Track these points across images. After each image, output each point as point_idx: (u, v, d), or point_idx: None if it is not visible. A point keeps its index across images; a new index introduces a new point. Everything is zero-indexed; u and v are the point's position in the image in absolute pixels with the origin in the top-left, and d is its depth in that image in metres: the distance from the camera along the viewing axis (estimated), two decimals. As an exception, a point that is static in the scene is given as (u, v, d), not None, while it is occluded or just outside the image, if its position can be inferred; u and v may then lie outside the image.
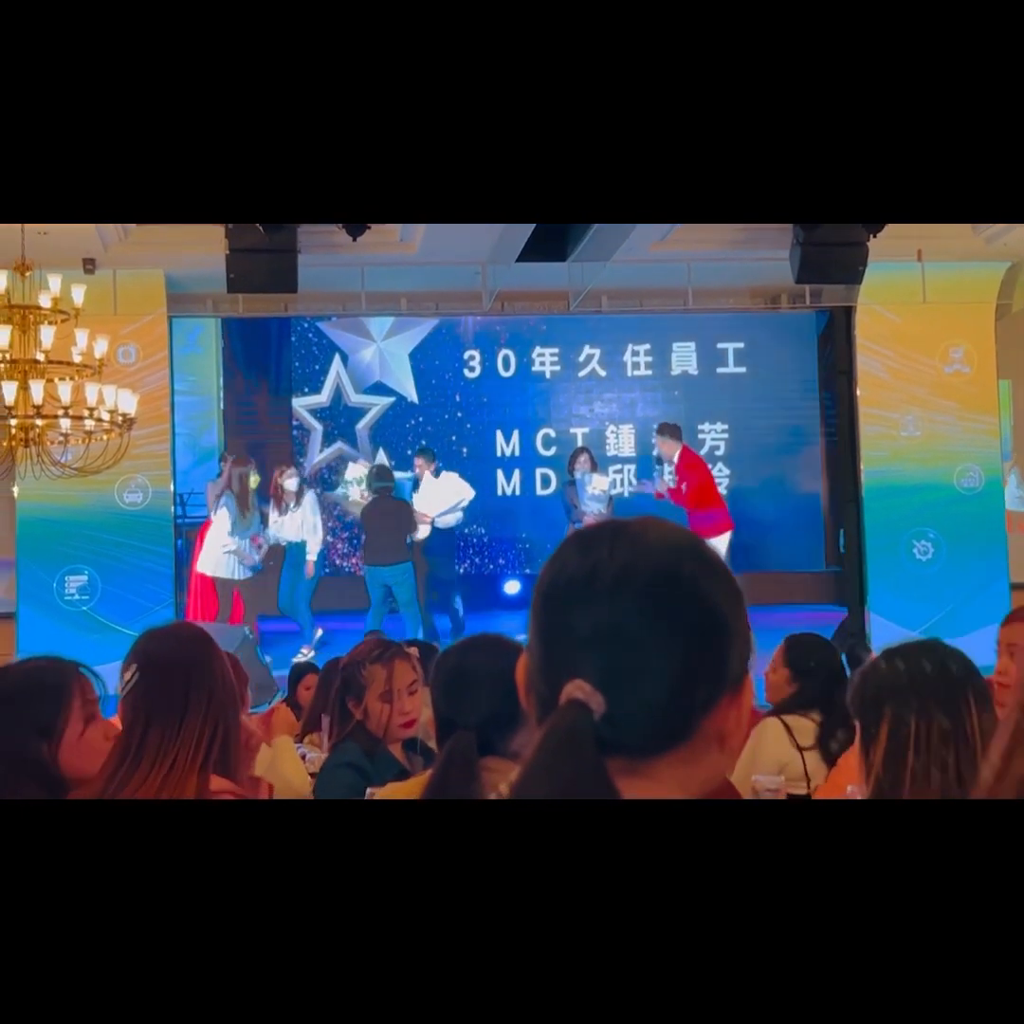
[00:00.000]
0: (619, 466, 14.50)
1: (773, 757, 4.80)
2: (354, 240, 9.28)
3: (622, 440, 14.64)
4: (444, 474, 12.70)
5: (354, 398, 14.58)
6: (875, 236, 9.69)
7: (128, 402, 9.09)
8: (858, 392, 12.12)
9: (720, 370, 14.59)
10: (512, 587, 14.13)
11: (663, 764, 1.19)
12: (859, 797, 2.39)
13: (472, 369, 14.59)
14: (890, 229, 9.65)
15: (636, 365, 14.63)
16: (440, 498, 12.46)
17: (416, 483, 12.77)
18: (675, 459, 11.88)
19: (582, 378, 14.61)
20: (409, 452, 13.76)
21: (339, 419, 14.61)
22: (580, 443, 13.91)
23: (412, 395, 14.59)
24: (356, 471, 14.39)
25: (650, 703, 1.17)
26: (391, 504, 12.19)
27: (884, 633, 11.11)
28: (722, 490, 13.82)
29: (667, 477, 12.11)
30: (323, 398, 14.59)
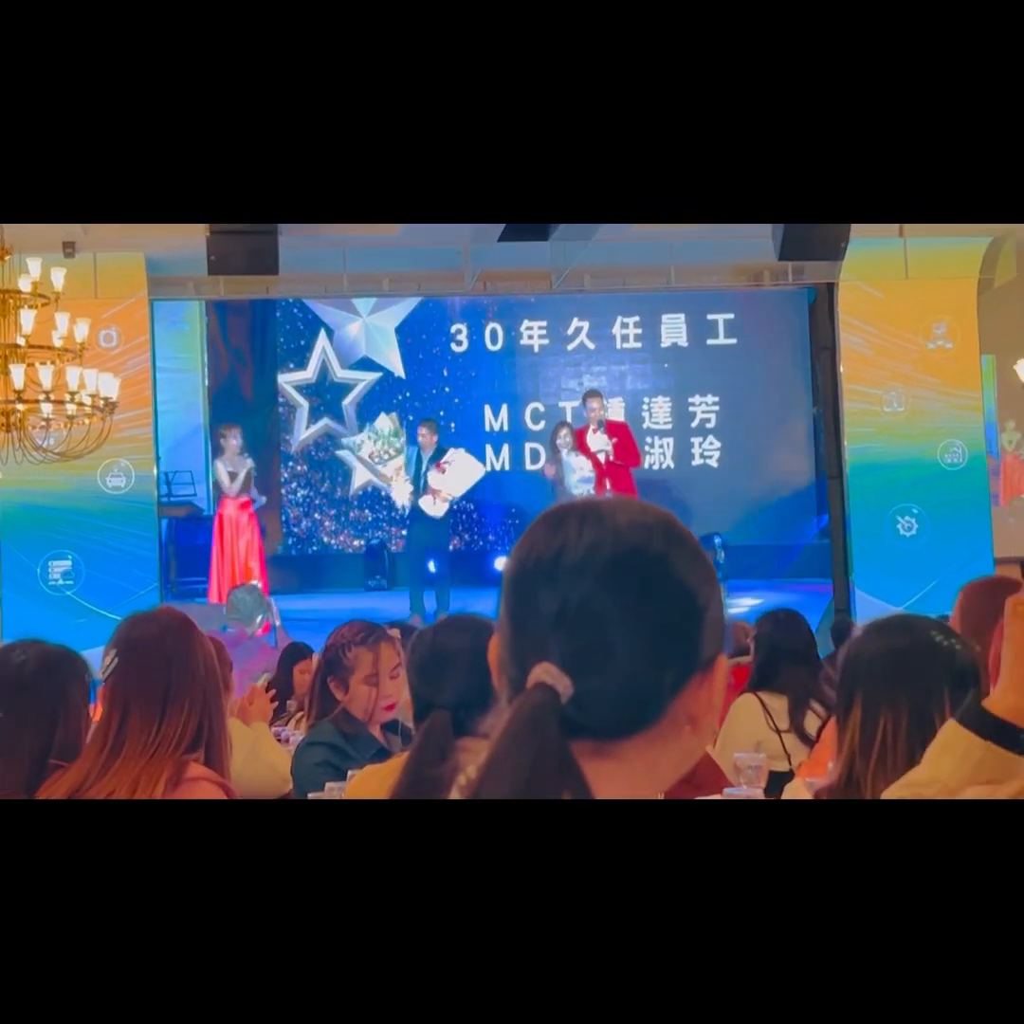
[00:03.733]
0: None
1: (749, 734, 4.81)
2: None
3: (612, 414, 14.38)
4: (452, 451, 12.90)
5: (340, 374, 14.43)
6: (857, 212, 9.65)
7: (110, 386, 9.06)
8: (841, 368, 12.12)
9: (710, 342, 14.46)
10: (502, 563, 14.04)
11: (632, 746, 1.18)
12: (834, 776, 2.38)
13: (459, 343, 14.44)
14: (872, 205, 9.61)
15: (625, 337, 14.51)
16: (460, 478, 12.65)
17: (419, 454, 12.92)
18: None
19: (571, 351, 14.46)
20: (410, 417, 13.80)
21: (325, 395, 14.45)
22: (568, 417, 13.79)
23: (399, 370, 14.43)
24: (383, 424, 14.14)
25: (618, 685, 1.16)
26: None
27: (868, 609, 11.12)
28: (712, 463, 13.86)
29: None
30: (309, 374, 14.45)
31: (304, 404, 14.45)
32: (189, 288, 11.74)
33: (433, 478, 12.82)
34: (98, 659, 2.76)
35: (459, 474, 12.95)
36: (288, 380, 14.48)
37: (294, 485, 14.36)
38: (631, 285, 12.50)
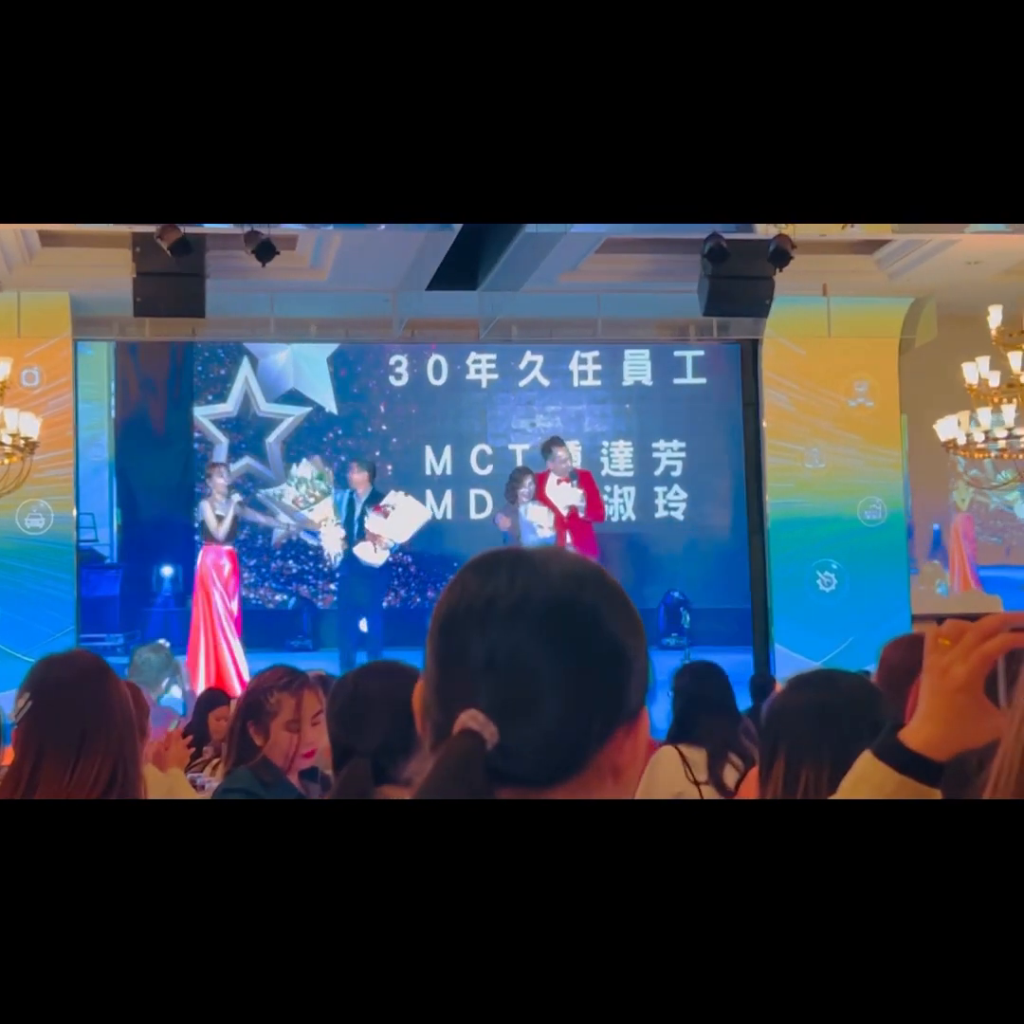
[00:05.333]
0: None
1: (667, 786, 4.81)
2: (263, 265, 9.23)
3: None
4: (393, 493, 12.20)
5: (264, 408, 13.10)
6: (781, 270, 9.80)
7: (31, 426, 9.00)
8: (764, 424, 12.25)
9: (677, 381, 13.23)
10: None
11: (555, 796, 1.18)
12: None
13: (398, 376, 13.12)
14: (796, 264, 9.76)
15: (584, 374, 13.21)
16: (405, 522, 12.07)
17: (351, 498, 12.15)
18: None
19: (523, 388, 13.18)
20: (343, 458, 12.72)
21: (247, 431, 13.12)
22: (520, 462, 12.59)
23: (330, 405, 13.10)
24: (305, 470, 12.74)
25: (544, 734, 1.16)
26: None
27: (787, 663, 11.19)
28: (677, 515, 13.17)
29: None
30: (229, 407, 13.09)
31: (223, 441, 13.08)
32: (114, 329, 11.65)
33: (373, 522, 11.98)
34: (9, 702, 2.71)
35: (404, 518, 12.11)
36: (206, 413, 13.10)
37: (209, 532, 13.49)
38: (557, 337, 12.54)
